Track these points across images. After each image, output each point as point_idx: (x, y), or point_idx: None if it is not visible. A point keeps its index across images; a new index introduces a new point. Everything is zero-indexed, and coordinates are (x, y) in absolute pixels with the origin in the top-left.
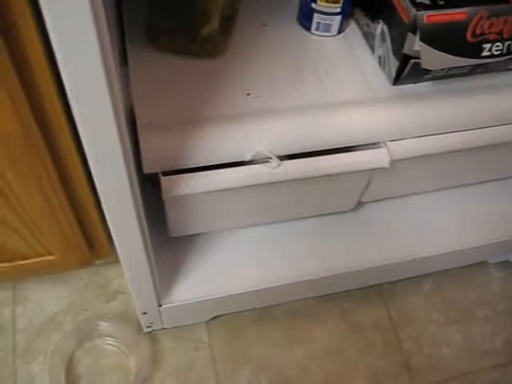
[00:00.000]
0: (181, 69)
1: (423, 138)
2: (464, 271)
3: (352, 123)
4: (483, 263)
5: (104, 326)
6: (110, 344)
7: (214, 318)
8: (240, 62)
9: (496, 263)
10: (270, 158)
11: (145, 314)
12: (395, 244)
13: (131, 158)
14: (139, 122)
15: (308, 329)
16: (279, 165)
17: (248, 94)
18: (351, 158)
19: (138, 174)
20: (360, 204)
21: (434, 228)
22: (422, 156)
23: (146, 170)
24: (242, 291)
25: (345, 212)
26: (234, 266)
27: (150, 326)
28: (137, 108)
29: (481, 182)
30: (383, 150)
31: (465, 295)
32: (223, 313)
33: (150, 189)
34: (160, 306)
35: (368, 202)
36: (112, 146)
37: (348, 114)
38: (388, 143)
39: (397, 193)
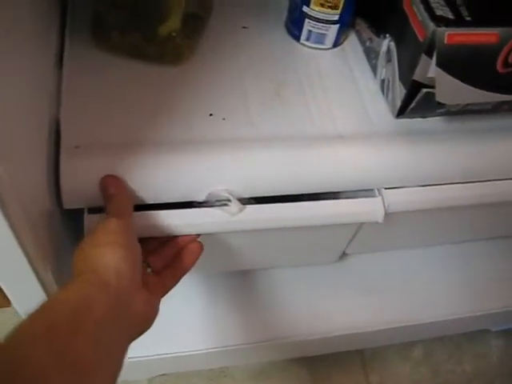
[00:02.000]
0: (131, 76)
1: (427, 187)
2: (460, 338)
3: (340, 163)
4: (483, 330)
5: None
6: None
7: (161, 375)
8: (207, 73)
9: (497, 331)
10: (229, 201)
11: None
12: (381, 307)
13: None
14: (63, 144)
15: None
16: (240, 210)
17: (211, 115)
18: (334, 208)
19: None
20: (343, 255)
21: (429, 290)
22: (425, 210)
23: (66, 204)
24: (187, 352)
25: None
26: (180, 322)
27: None
28: (63, 124)
29: (487, 239)
30: (377, 201)
31: (459, 367)
32: (170, 372)
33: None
34: None
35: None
36: None
37: (336, 151)
38: (383, 191)
39: (388, 247)
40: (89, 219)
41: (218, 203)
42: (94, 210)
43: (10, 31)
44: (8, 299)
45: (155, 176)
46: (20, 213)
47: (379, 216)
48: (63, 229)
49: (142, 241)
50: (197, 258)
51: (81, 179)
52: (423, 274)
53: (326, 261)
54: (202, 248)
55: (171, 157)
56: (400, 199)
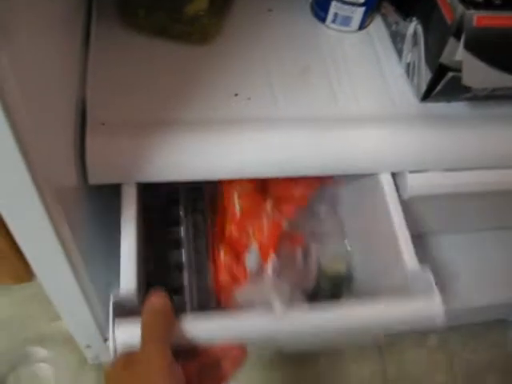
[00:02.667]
0: (156, 54)
1: (451, 172)
2: (477, 327)
3: (364, 145)
4: (499, 320)
5: (43, 350)
6: (47, 373)
7: None
8: (232, 54)
9: None
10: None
11: (88, 347)
12: None
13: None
14: (89, 120)
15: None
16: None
17: (236, 95)
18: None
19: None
20: None
21: (445, 278)
22: (447, 194)
23: (92, 180)
24: None
25: None
26: None
27: (97, 358)
28: (89, 102)
29: (506, 228)
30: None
31: (474, 356)
32: None
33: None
34: (106, 340)
35: None
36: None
37: (360, 133)
38: (407, 175)
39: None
40: (126, 191)
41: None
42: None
43: (42, 10)
44: (30, 274)
45: (180, 154)
46: (49, 186)
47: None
48: (89, 205)
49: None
50: (239, 366)
51: (105, 155)
52: (440, 261)
53: None
54: (246, 353)
55: (196, 135)
56: (423, 183)
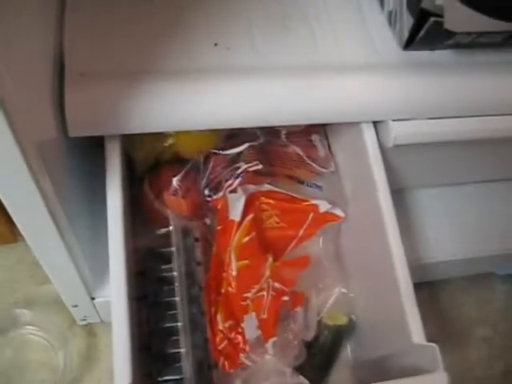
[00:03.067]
0: (136, 3)
1: (435, 120)
2: (465, 281)
3: (346, 93)
4: (489, 274)
5: (32, 313)
6: (36, 335)
7: None
8: (212, 3)
9: (503, 275)
10: None
11: (75, 306)
12: None
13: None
14: (68, 71)
15: None
16: None
17: (215, 45)
18: None
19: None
20: None
21: (433, 230)
22: (432, 143)
23: (72, 132)
24: None
25: None
26: None
27: (84, 319)
28: (67, 53)
29: (492, 180)
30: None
31: (462, 310)
32: None
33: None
34: (93, 298)
35: None
36: None
37: (342, 81)
38: (390, 123)
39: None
40: (109, 143)
41: None
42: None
43: None
44: (15, 235)
45: (161, 103)
46: (28, 139)
47: None
48: (73, 161)
49: None
50: None
51: (84, 107)
52: (428, 214)
53: None
54: None
55: (176, 85)
56: (407, 131)
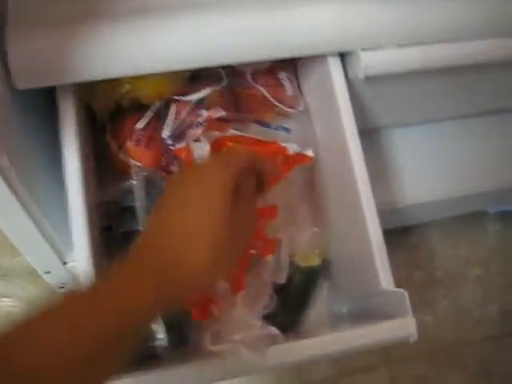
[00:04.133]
0: None
1: (405, 48)
2: (457, 222)
3: (309, 22)
4: (480, 213)
5: (7, 284)
6: (12, 306)
7: None
8: None
9: (495, 213)
10: None
11: (48, 273)
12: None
13: None
14: (10, 19)
15: None
16: None
17: None
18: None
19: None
20: None
21: (419, 170)
22: (405, 72)
23: (19, 84)
24: None
25: None
26: None
27: (62, 287)
28: None
29: (481, 114)
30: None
31: (455, 251)
32: None
33: None
34: (65, 263)
35: None
36: None
37: (304, 8)
38: (360, 52)
39: (374, 121)
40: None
41: None
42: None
43: None
44: None
45: (110, 46)
46: None
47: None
48: (26, 119)
49: None
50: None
51: (30, 55)
52: (413, 153)
53: None
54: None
55: (129, 25)
56: (378, 60)
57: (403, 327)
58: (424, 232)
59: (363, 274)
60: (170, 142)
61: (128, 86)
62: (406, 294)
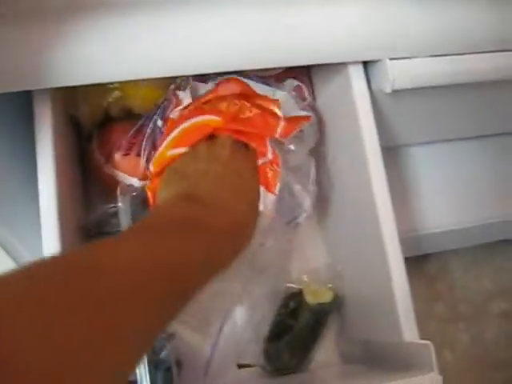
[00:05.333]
0: None
1: (438, 58)
2: (480, 250)
3: (330, 25)
4: (506, 241)
5: None
6: None
7: None
8: None
9: None
10: None
11: None
12: None
13: None
14: None
15: None
16: None
17: None
18: None
19: None
20: None
21: (441, 194)
22: (437, 86)
23: None
24: None
25: None
26: None
27: None
28: None
29: (502, 134)
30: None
31: (477, 282)
32: None
33: None
34: None
35: None
36: None
37: (325, 11)
38: (388, 62)
39: (400, 139)
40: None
41: None
42: None
43: None
44: None
45: (96, 47)
46: None
47: None
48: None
49: None
50: None
51: (3, 55)
52: (428, 176)
53: None
54: None
55: (121, 21)
56: (408, 72)
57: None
58: (445, 260)
59: (381, 319)
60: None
61: (117, 93)
62: (432, 348)
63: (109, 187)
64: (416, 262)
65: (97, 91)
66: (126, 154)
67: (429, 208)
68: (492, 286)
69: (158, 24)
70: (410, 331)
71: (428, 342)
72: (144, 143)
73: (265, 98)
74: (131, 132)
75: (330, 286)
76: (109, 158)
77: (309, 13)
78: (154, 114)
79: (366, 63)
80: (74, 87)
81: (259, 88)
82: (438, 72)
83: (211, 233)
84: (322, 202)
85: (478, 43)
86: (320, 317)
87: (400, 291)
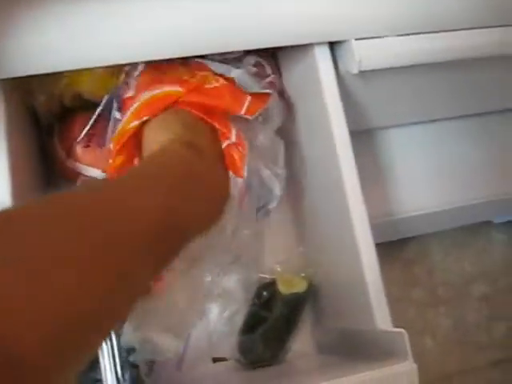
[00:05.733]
0: None
1: (404, 37)
2: (458, 232)
3: (294, 6)
4: (485, 223)
5: None
6: None
7: None
8: None
9: (501, 223)
10: None
11: None
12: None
13: None
14: None
15: None
16: None
17: None
18: None
19: None
20: None
21: (417, 177)
22: (404, 66)
23: None
24: None
25: None
26: None
27: None
28: None
29: (483, 114)
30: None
31: (457, 265)
32: None
33: None
34: None
35: None
36: None
37: None
38: (353, 42)
39: (370, 122)
40: None
41: None
42: None
43: None
44: None
45: (59, 31)
46: None
47: None
48: None
49: None
50: None
51: None
52: (410, 157)
53: None
54: None
55: (70, 8)
56: (375, 52)
57: (403, 373)
58: (423, 244)
59: (355, 306)
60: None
61: (67, 80)
62: (406, 336)
63: (73, 180)
64: (392, 246)
65: (49, 79)
66: (87, 146)
67: (408, 191)
68: (471, 268)
69: (114, 11)
70: (382, 318)
71: (402, 330)
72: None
73: (219, 76)
74: (90, 123)
75: (303, 275)
76: (70, 152)
77: None
78: (111, 102)
79: (332, 44)
80: (29, 76)
81: (214, 66)
82: (406, 51)
83: (210, 190)
84: (292, 187)
85: (445, 21)
86: (294, 307)
87: (371, 277)
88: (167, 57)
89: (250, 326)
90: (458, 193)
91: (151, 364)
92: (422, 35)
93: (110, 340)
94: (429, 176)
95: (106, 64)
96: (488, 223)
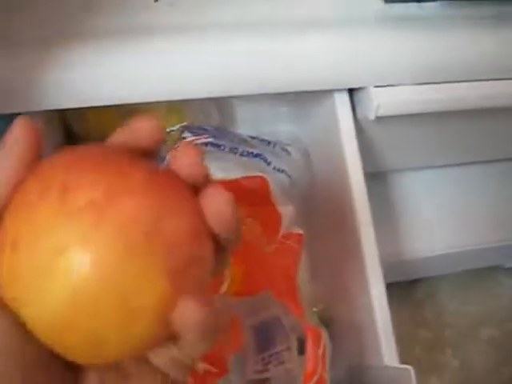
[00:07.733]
0: None
1: (422, 86)
2: (468, 275)
3: (316, 54)
4: (494, 267)
5: None
6: None
7: None
8: None
9: (510, 268)
10: None
11: None
12: None
13: None
14: None
15: None
16: None
17: (156, 0)
18: None
19: None
20: None
21: (429, 219)
22: (421, 113)
23: None
24: None
25: None
26: None
27: None
28: None
29: (492, 160)
30: None
31: (465, 308)
32: None
33: None
34: None
35: None
36: None
37: (312, 40)
38: (372, 90)
39: (385, 165)
40: None
41: None
42: None
43: None
44: None
45: (95, 73)
46: None
47: None
48: None
49: None
50: None
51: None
52: (423, 201)
53: None
54: None
55: (111, 46)
56: (392, 99)
57: None
58: (432, 286)
59: (364, 343)
60: None
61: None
62: (413, 372)
63: None
64: (401, 287)
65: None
66: None
67: (420, 233)
68: (479, 311)
69: (145, 50)
70: (390, 355)
71: (408, 366)
72: None
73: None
74: None
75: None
76: None
77: (293, 40)
78: None
79: (351, 90)
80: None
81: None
82: (422, 100)
83: None
84: (306, 225)
85: (462, 72)
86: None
87: (381, 315)
88: (190, 97)
89: None
90: (469, 236)
91: None
92: (438, 85)
93: None
94: (441, 219)
95: (130, 102)
96: (496, 268)
